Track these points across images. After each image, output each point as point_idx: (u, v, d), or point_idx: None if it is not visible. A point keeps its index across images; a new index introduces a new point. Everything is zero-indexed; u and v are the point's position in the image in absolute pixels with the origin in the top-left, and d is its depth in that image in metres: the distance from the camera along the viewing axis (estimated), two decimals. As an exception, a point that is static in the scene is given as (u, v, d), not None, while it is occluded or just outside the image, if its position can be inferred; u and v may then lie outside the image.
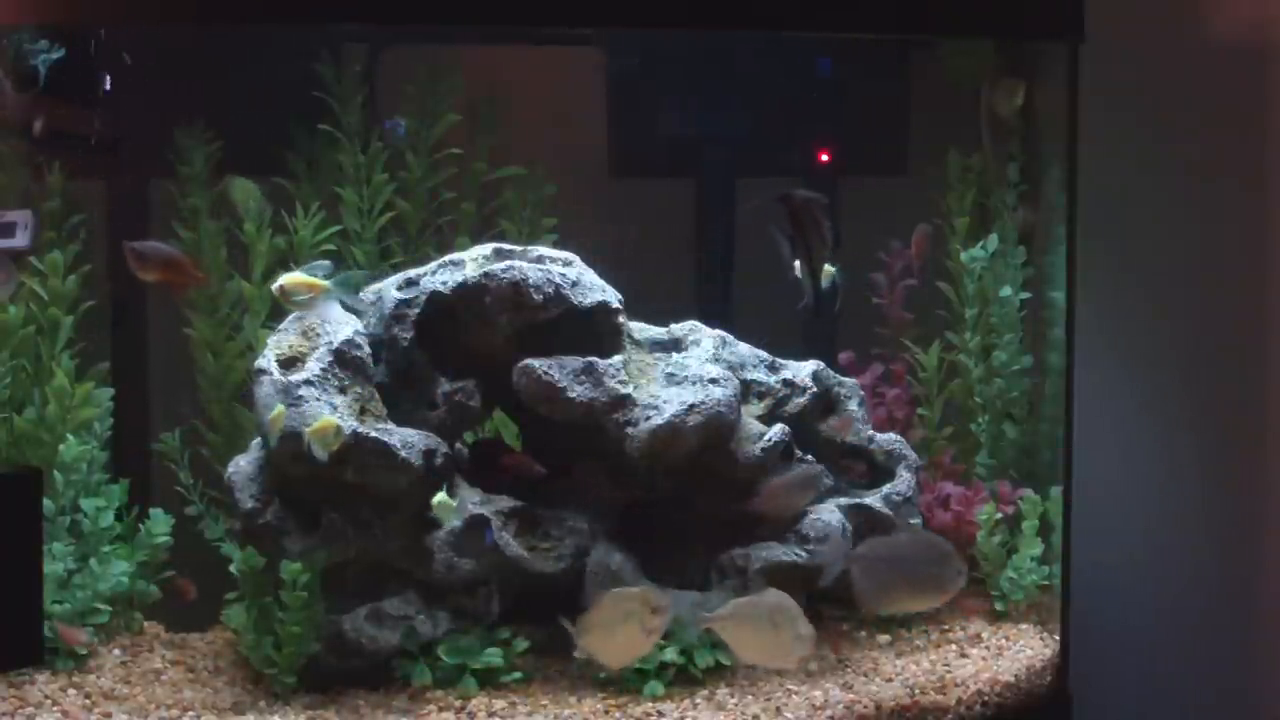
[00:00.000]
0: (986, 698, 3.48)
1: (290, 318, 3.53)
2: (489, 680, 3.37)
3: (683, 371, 3.55)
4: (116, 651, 3.61)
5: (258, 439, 3.49)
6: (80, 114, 3.72)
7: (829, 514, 3.61)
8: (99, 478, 3.65)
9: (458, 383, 3.51)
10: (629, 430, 3.46)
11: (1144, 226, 4.10)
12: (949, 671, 3.53)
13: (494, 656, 3.39)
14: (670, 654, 3.37)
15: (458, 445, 3.63)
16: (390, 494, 3.37)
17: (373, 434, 3.34)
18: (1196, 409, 4.08)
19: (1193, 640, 4.10)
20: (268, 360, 3.43)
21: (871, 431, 3.83)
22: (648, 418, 3.46)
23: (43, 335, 3.65)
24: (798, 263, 3.46)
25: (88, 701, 3.33)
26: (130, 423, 3.82)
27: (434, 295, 3.49)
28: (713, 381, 3.51)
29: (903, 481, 3.76)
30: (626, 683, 3.36)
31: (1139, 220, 4.10)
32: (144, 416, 3.91)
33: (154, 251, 3.50)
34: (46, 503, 3.46)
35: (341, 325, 3.49)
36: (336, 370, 3.42)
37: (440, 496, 3.34)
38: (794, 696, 3.36)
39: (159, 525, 3.69)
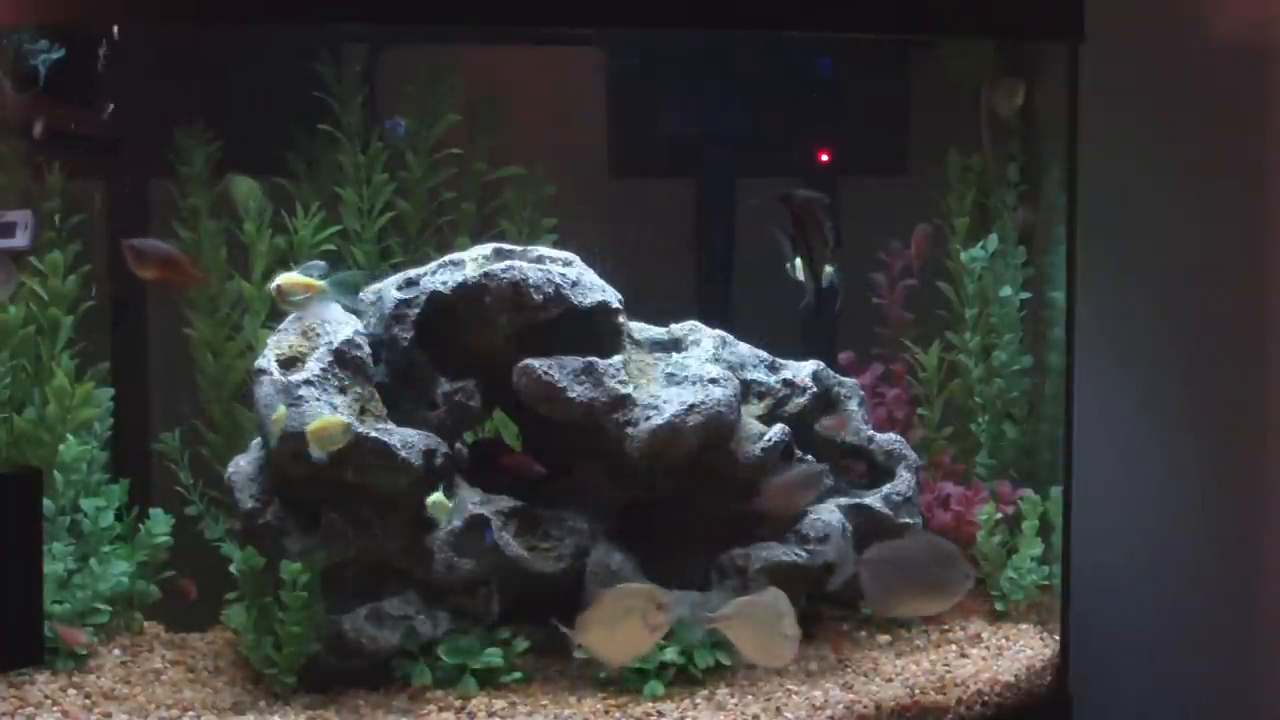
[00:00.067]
0: (986, 698, 3.48)
1: (290, 318, 3.53)
2: (489, 680, 3.37)
3: (683, 371, 3.55)
4: (116, 651, 3.61)
5: (258, 439, 3.49)
6: (80, 114, 3.72)
7: (829, 514, 3.61)
8: (99, 478, 3.65)
9: (458, 383, 3.51)
10: (629, 430, 3.46)
11: (1144, 226, 4.10)
12: (949, 671, 3.53)
13: (494, 656, 3.39)
14: (670, 654, 3.37)
15: (458, 445, 3.63)
16: (390, 494, 3.37)
17: (373, 434, 3.34)
18: (1196, 409, 4.08)
19: (1193, 640, 4.10)
20: (268, 360, 3.43)
21: (871, 431, 3.83)
22: (648, 418, 3.46)
23: (43, 335, 3.65)
24: (792, 263, 3.46)
25: (88, 701, 3.33)
26: (130, 423, 3.82)
27: (434, 295, 3.49)
28: (713, 381, 3.51)
29: (903, 481, 3.76)
30: (626, 683, 3.36)
31: (1139, 220, 4.10)
32: (144, 416, 3.91)
33: (152, 249, 3.49)
34: (46, 503, 3.45)
35: (341, 325, 3.49)
36: (336, 370, 3.42)
37: (435, 496, 3.34)
38: (794, 696, 3.36)
39: (159, 525, 3.69)
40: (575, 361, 3.48)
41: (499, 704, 3.29)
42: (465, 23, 3.49)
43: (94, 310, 3.73)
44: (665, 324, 3.74)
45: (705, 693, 3.35)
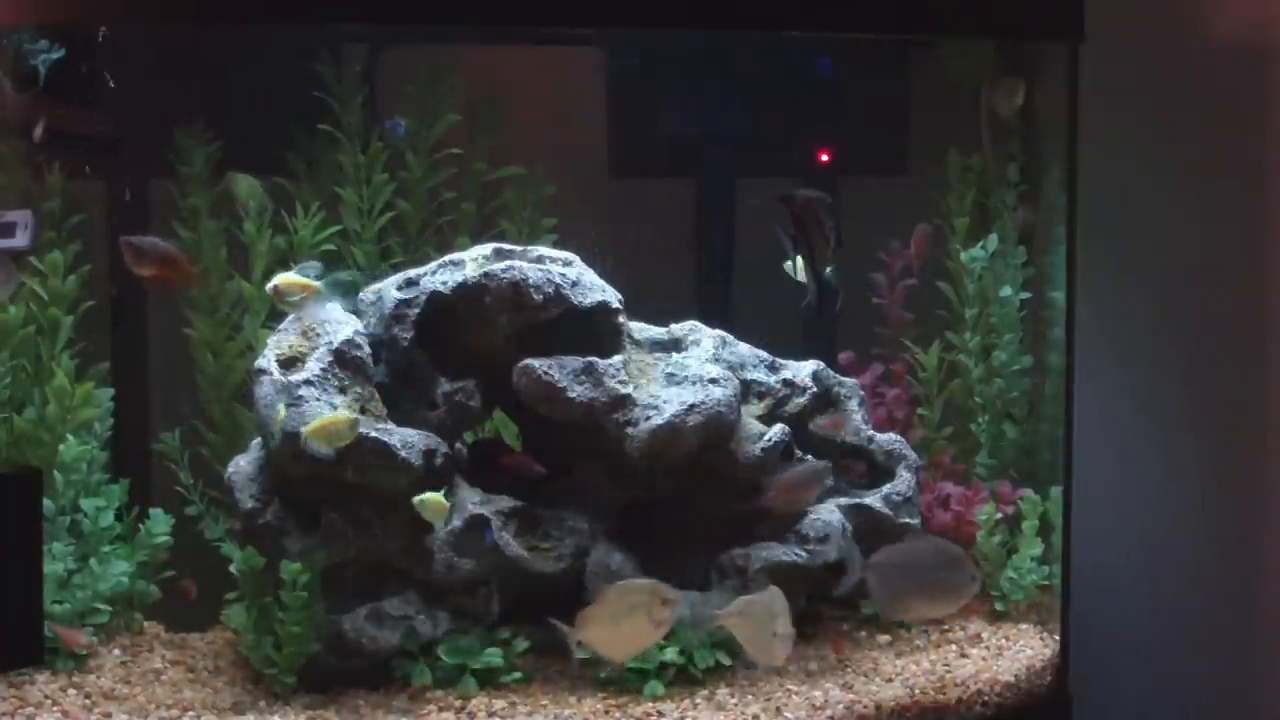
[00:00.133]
0: (986, 698, 3.48)
1: (290, 318, 3.53)
2: (489, 680, 3.37)
3: (683, 371, 3.55)
4: (116, 651, 3.61)
5: (258, 439, 3.49)
6: (80, 114, 3.72)
7: (829, 514, 3.61)
8: (99, 478, 3.65)
9: (458, 383, 3.51)
10: (629, 430, 3.46)
11: (1144, 226, 4.10)
12: (949, 671, 3.53)
13: (494, 656, 3.39)
14: (670, 654, 3.37)
15: (458, 445, 3.63)
16: (390, 494, 3.37)
17: (373, 434, 3.34)
18: (1196, 409, 4.08)
19: (1193, 640, 4.10)
20: (268, 360, 3.43)
21: (871, 431, 3.83)
22: (648, 418, 3.46)
23: (43, 335, 3.65)
24: (789, 263, 3.47)
25: (88, 701, 3.33)
26: (130, 423, 3.82)
27: (434, 295, 3.49)
28: (713, 381, 3.51)
29: (903, 481, 3.76)
30: (626, 683, 3.36)
31: (1139, 220, 4.10)
32: (144, 416, 3.91)
33: (150, 246, 3.49)
34: (46, 503, 3.45)
35: (341, 325, 3.49)
36: (336, 370, 3.43)
37: (425, 495, 3.32)
38: (794, 696, 3.36)
39: (159, 525, 3.69)
40: (575, 361, 3.48)
41: (499, 704, 3.29)
42: (465, 23, 3.49)
43: (94, 310, 3.73)
44: (665, 324, 3.74)
45: (705, 693, 3.35)
